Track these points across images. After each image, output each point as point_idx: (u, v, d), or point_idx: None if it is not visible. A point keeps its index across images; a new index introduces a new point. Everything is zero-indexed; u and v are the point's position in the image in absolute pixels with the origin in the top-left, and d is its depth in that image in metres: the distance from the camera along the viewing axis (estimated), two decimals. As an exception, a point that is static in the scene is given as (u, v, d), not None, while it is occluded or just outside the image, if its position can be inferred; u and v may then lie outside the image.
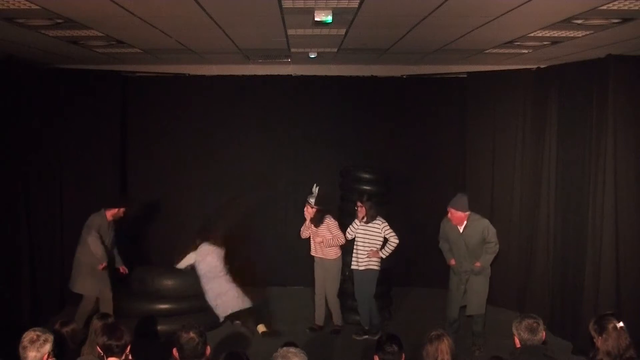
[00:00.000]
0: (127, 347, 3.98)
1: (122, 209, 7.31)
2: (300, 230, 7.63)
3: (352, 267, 7.39)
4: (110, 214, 7.24)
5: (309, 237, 7.59)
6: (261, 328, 7.44)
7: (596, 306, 6.51)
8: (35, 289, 7.74)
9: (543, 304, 7.73)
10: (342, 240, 7.41)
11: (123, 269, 7.59)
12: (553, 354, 3.94)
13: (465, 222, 6.82)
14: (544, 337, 3.97)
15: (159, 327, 7.12)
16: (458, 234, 6.86)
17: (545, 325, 4.12)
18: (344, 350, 7.11)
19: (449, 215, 6.87)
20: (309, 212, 7.41)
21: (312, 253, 7.63)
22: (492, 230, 6.83)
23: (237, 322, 7.65)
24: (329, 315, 7.70)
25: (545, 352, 3.91)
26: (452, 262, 7.00)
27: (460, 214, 6.78)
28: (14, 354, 3.79)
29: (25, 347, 3.69)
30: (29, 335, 3.73)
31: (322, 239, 7.41)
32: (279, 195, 9.60)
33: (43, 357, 3.69)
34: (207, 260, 7.40)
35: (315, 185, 7.52)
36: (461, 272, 6.91)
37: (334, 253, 7.47)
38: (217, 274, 7.40)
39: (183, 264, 7.49)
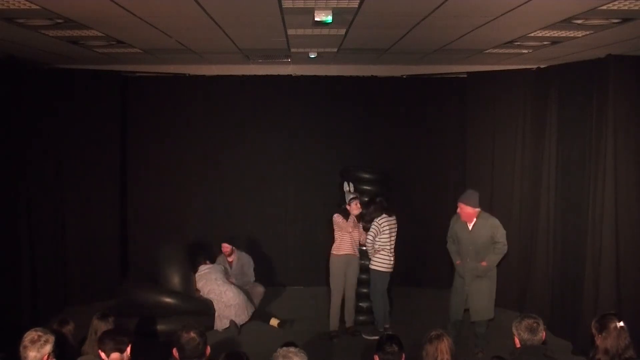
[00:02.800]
0: (128, 345, 3.99)
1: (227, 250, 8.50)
2: (362, 241, 7.42)
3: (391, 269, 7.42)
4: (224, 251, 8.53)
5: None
6: (274, 322, 7.72)
7: (596, 306, 6.50)
8: (35, 289, 7.74)
9: (543, 304, 7.73)
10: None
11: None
12: (553, 354, 3.95)
13: (474, 220, 6.68)
14: (544, 337, 3.97)
15: (158, 327, 7.11)
16: (467, 233, 6.71)
17: (545, 325, 4.13)
18: (344, 350, 7.10)
19: (458, 210, 6.72)
20: (359, 207, 7.37)
21: (346, 251, 7.31)
22: (502, 231, 6.72)
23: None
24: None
25: (545, 352, 3.91)
26: (459, 262, 6.85)
27: (469, 209, 6.64)
28: (14, 354, 3.79)
29: (25, 347, 3.69)
30: (30, 335, 3.73)
31: (360, 234, 7.41)
32: (279, 195, 9.60)
33: (43, 357, 3.69)
34: None
35: (346, 183, 7.55)
36: (465, 273, 6.81)
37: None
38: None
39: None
